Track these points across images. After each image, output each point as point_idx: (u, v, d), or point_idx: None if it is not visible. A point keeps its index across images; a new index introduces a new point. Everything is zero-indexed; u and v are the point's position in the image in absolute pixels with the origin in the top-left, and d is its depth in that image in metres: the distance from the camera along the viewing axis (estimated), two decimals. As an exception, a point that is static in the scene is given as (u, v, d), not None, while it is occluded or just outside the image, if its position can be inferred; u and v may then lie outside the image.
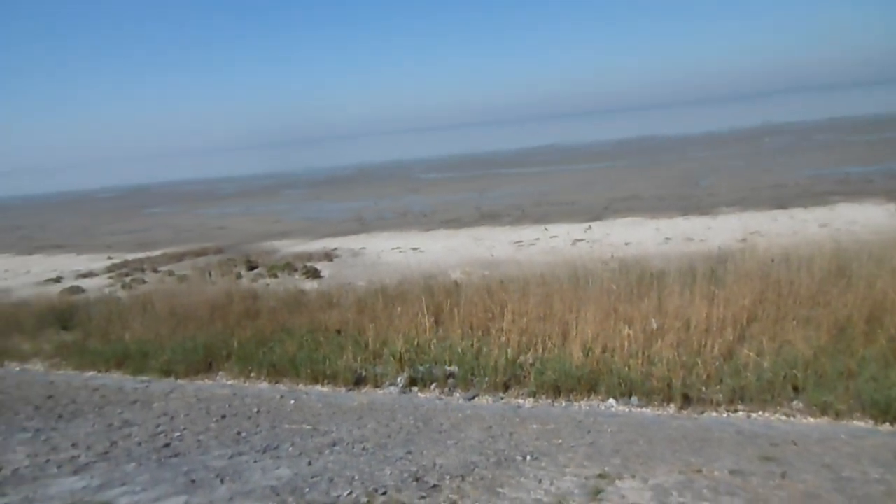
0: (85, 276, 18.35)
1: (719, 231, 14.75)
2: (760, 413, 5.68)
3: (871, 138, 37.08)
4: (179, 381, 7.88)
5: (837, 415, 5.42)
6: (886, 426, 5.11)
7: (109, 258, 21.66)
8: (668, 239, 14.67)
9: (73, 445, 4.59)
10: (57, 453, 4.35)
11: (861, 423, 5.20)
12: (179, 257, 19.92)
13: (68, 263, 21.40)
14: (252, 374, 8.07)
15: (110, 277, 17.61)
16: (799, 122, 62.41)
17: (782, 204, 17.79)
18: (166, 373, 8.25)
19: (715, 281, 8.01)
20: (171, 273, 16.92)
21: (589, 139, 75.65)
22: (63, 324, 10.90)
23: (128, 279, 16.71)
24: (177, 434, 4.96)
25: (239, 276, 15.46)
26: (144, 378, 8.12)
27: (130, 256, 21.25)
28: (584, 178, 32.66)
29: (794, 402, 5.75)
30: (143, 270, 17.99)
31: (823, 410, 5.50)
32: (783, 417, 5.56)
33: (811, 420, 5.44)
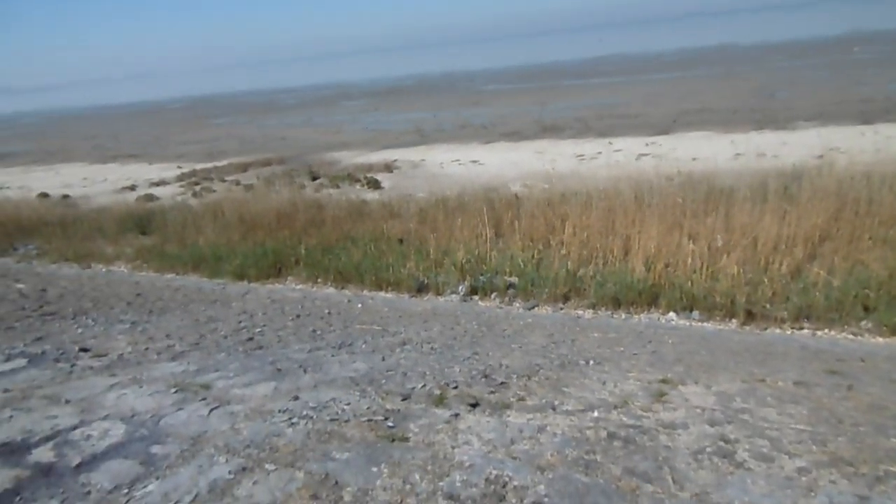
0: (157, 184, 19.19)
1: (796, 147, 14.05)
2: (827, 331, 5.63)
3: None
4: (252, 284, 8.32)
5: (909, 335, 5.33)
6: (960, 347, 5.00)
7: (179, 167, 22.49)
8: (739, 154, 14.09)
9: (167, 336, 5.00)
10: (154, 342, 4.77)
11: (933, 345, 5.11)
12: (244, 167, 20.50)
13: (141, 172, 22.35)
14: (319, 280, 8.44)
15: (181, 186, 18.37)
16: (892, 30, 57.03)
17: (867, 119, 16.67)
18: (240, 276, 8.71)
19: (787, 198, 7.75)
20: (237, 182, 17.49)
21: (659, 48, 71.53)
22: (141, 229, 11.54)
23: (198, 188, 17.39)
24: (258, 330, 5.32)
25: (302, 187, 15.86)
26: (220, 280, 8.60)
27: (199, 166, 21.98)
28: (652, 90, 31.23)
29: (864, 322, 5.66)
30: (211, 179, 18.65)
31: (894, 331, 5.40)
32: (851, 336, 5.51)
33: (880, 339, 5.37)
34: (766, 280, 6.31)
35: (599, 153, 16.18)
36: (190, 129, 39.57)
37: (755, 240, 6.98)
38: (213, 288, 8.08)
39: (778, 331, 5.75)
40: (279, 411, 3.08)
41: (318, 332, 5.28)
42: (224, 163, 22.28)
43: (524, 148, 18.51)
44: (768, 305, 6.07)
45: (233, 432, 2.88)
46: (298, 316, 6.05)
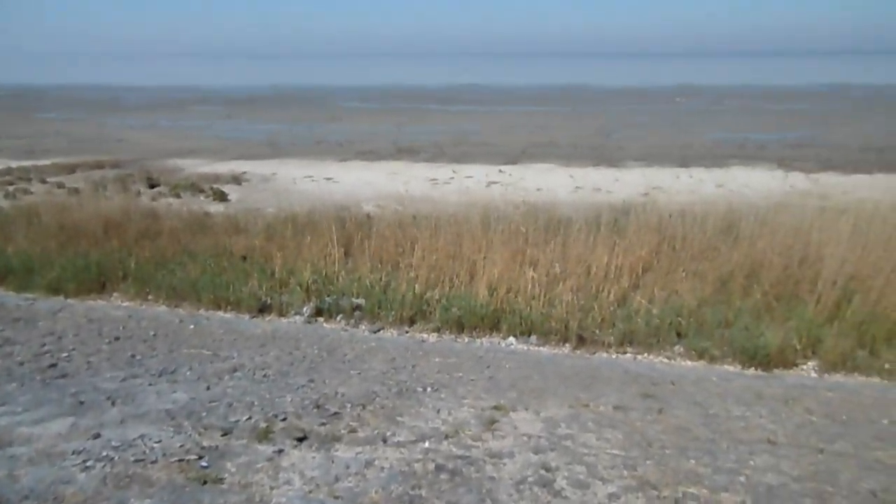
0: (-41, 181, 16.73)
1: (626, 184, 15.35)
2: (646, 355, 6.12)
3: (774, 107, 39.32)
4: (69, 301, 7.45)
5: (712, 359, 5.94)
6: (752, 370, 5.66)
7: (-10, 164, 19.81)
8: (578, 188, 15.12)
9: (-55, 362, 4.29)
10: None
11: (731, 368, 5.73)
12: (72, 169, 18.50)
13: (-60, 166, 19.39)
14: (150, 297, 7.76)
15: (-9, 185, 16.16)
16: (713, 85, 65.02)
17: (685, 163, 18.67)
18: (54, 290, 7.77)
19: (617, 231, 8.40)
20: (61, 185, 15.73)
21: (515, 82, 75.58)
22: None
23: (11, 188, 15.40)
24: (64, 354, 4.73)
25: (138, 194, 14.61)
26: (29, 295, 7.62)
27: (15, 164, 19.51)
28: (506, 121, 32.80)
29: (676, 347, 6.23)
30: (28, 180, 16.59)
31: (700, 355, 5.99)
32: (665, 360, 6.02)
33: (689, 363, 5.92)
34: (596, 307, 6.74)
35: (452, 178, 16.61)
36: (10, 121, 35.16)
37: (588, 268, 7.46)
38: (18, 304, 7.13)
39: (605, 355, 6.15)
40: (73, 453, 2.71)
41: (138, 358, 4.80)
42: (47, 162, 19.96)
43: (379, 168, 18.53)
44: (597, 331, 6.49)
45: (9, 480, 2.48)
46: (118, 338, 5.48)
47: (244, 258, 8.60)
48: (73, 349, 4.94)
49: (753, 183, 15.38)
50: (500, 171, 17.62)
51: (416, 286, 7.40)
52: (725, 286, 7.02)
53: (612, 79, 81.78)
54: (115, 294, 7.78)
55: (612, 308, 6.85)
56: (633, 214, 8.89)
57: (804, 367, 5.79)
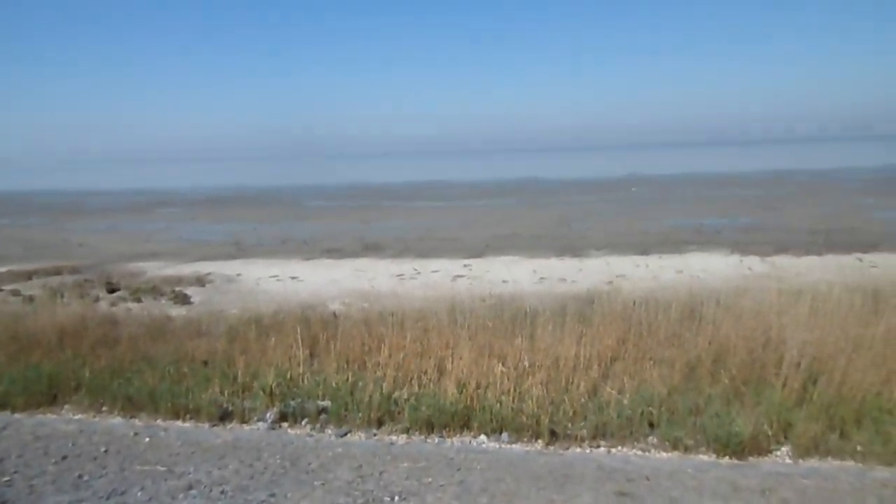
0: None
1: (589, 273, 15.61)
2: (620, 448, 6.00)
3: (724, 193, 41.18)
4: (16, 416, 7.04)
5: (686, 449, 5.85)
6: (726, 459, 5.57)
7: (-59, 273, 19.21)
8: (543, 279, 15.31)
9: None
10: None
11: (705, 457, 5.64)
12: (28, 275, 18.04)
13: None
14: (104, 409, 7.40)
15: (-60, 296, 15.59)
16: (663, 174, 68.14)
17: (645, 250, 19.17)
18: (1, 406, 7.36)
19: (583, 321, 8.46)
20: (16, 293, 15.27)
21: (473, 177, 77.97)
22: None
23: (-38, 298, 14.88)
24: (5, 479, 4.40)
25: (97, 299, 14.26)
26: (-28, 411, 7.19)
27: (-33, 272, 18.96)
28: (468, 215, 33.51)
29: (650, 438, 6.13)
30: (-19, 289, 16.09)
31: (674, 445, 5.90)
32: (640, 452, 5.91)
33: (664, 454, 5.82)
34: (566, 400, 6.66)
35: (418, 273, 16.69)
36: (-37, 229, 34.50)
37: (557, 360, 7.43)
38: (-41, 422, 6.69)
39: (578, 450, 6.01)
40: None
41: (86, 479, 4.50)
42: (2, 269, 19.46)
43: (345, 265, 18.55)
44: (570, 425, 6.37)
45: None
46: (65, 457, 5.15)
47: (205, 363, 8.35)
48: (16, 472, 4.61)
49: (712, 267, 15.82)
50: (466, 264, 17.80)
51: (384, 386, 7.24)
52: (693, 372, 7.03)
53: (566, 171, 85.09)
54: (66, 406, 7.41)
55: (582, 400, 6.77)
56: (599, 303, 9.00)
57: (778, 452, 5.74)
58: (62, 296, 14.30)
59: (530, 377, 7.10)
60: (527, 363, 7.43)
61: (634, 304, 9.06)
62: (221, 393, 7.36)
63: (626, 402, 6.59)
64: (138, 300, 14.24)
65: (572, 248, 20.42)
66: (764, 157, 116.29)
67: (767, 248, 18.74)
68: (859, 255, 16.89)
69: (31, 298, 13.78)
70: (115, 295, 14.85)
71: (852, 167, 67.90)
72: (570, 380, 7.11)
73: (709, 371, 6.97)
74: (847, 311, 7.95)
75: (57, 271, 18.87)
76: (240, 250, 23.05)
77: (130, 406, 7.25)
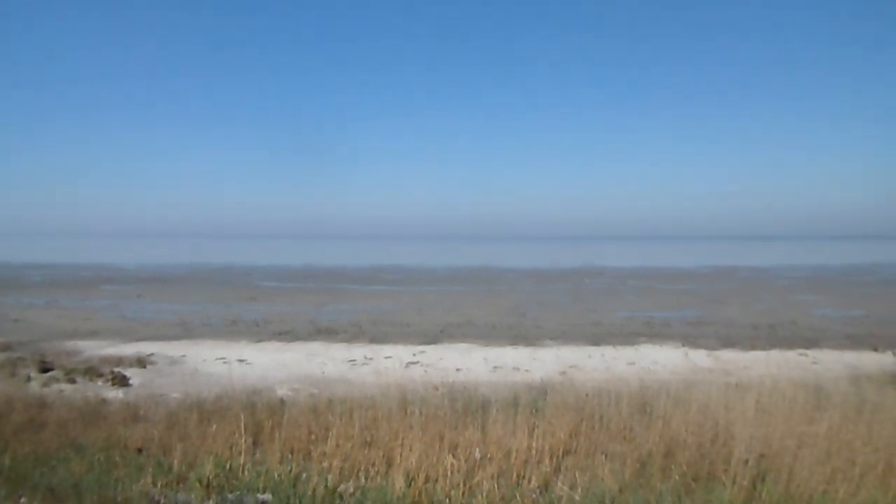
0: None
1: (543, 362, 15.64)
2: (565, 548, 5.81)
3: (673, 287, 42.46)
4: (-81, 511, 6.43)
5: (637, 552, 5.70)
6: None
7: None
8: (496, 367, 15.23)
9: None
10: None
11: (658, 559, 5.50)
12: (-47, 352, 16.98)
13: None
14: (23, 500, 6.82)
15: None
16: (614, 266, 70.10)
17: (597, 341, 19.40)
18: None
19: (536, 412, 8.38)
20: (-62, 371, 14.30)
21: (431, 263, 78.58)
22: None
23: None
24: None
25: (28, 379, 13.48)
26: None
27: None
28: (423, 301, 33.49)
29: (602, 537, 5.97)
30: None
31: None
32: (592, 553, 5.73)
33: (615, 555, 5.66)
34: (518, 496, 6.48)
35: (371, 359, 16.41)
36: None
37: (509, 452, 7.28)
38: None
39: (529, 550, 5.79)
40: None
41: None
42: (-75, 345, 18.28)
43: (296, 349, 18.12)
44: (521, 523, 6.17)
45: None
46: (-29, 556, 4.67)
47: (139, 451, 7.88)
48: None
49: (662, 360, 16.05)
50: (420, 351, 17.62)
51: (329, 478, 6.93)
52: (645, 468, 6.98)
53: (520, 260, 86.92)
54: (-21, 498, 6.79)
55: (534, 496, 6.60)
56: (551, 394, 8.98)
57: (730, 554, 5.65)
58: (-11, 375, 13.45)
59: (481, 470, 6.91)
60: (478, 455, 7.26)
61: (587, 395, 9.07)
62: (154, 484, 6.90)
63: (577, 498, 6.45)
64: (72, 381, 13.51)
65: (526, 336, 20.51)
66: (710, 253, 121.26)
67: (714, 341, 19.22)
68: (802, 350, 17.47)
69: (-46, 377, 12.91)
70: (47, 375, 14.06)
71: (789, 265, 71.43)
72: (522, 474, 6.96)
73: (660, 467, 6.92)
74: (791, 407, 8.12)
75: (-14, 348, 17.83)
76: (186, 331, 22.32)
77: (52, 498, 6.70)
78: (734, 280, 49.99)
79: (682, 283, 46.58)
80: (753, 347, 18.05)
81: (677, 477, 6.64)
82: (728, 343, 18.96)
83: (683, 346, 18.45)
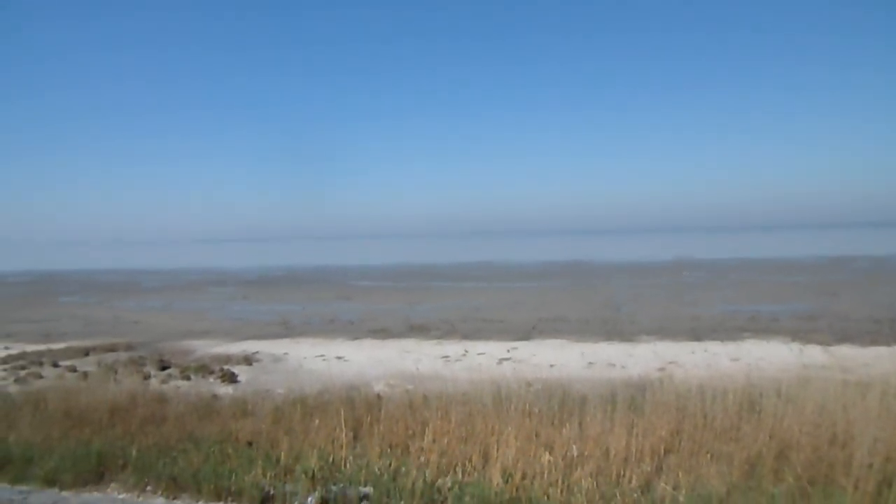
0: (-27, 365, 16.82)
1: (640, 359, 15.17)
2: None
3: (779, 279, 39.96)
4: (63, 494, 7.10)
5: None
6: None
7: (6, 348, 20.06)
8: (591, 363, 14.93)
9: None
10: None
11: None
12: (85, 352, 18.67)
13: (-43, 351, 19.61)
14: (149, 488, 7.39)
15: (3, 370, 16.21)
16: (713, 259, 66.82)
17: (698, 336, 18.59)
18: (50, 482, 7.43)
19: (634, 409, 8.13)
20: (72, 369, 15.77)
21: (520, 259, 78.06)
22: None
23: (23, 372, 15.42)
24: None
25: (148, 377, 14.57)
26: (24, 487, 7.28)
27: (31, 348, 19.75)
28: (515, 297, 33.34)
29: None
30: (41, 364, 16.66)
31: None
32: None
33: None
34: (618, 494, 6.31)
35: (464, 355, 16.52)
36: (29, 305, 36.19)
37: (607, 450, 7.11)
38: (10, 498, 6.79)
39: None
40: None
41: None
42: (62, 346, 20.21)
43: (391, 346, 18.55)
44: (623, 523, 6.02)
45: None
46: (108, 538, 5.13)
47: (250, 444, 8.32)
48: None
49: (770, 356, 15.16)
50: (513, 347, 17.57)
51: (427, 472, 7.04)
52: (755, 469, 6.61)
53: (614, 254, 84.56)
54: (112, 484, 7.43)
55: (635, 495, 6.41)
56: (650, 391, 8.67)
57: (854, 563, 5.26)
58: (116, 372, 14.67)
59: (579, 468, 6.79)
60: (575, 453, 7.13)
61: (689, 392, 8.68)
62: (264, 475, 7.26)
63: (681, 499, 6.21)
64: (187, 378, 14.48)
65: (621, 332, 19.97)
66: (818, 242, 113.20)
67: (829, 337, 17.93)
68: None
69: (85, 374, 14.16)
70: (165, 372, 15.17)
71: (915, 253, 65.34)
72: (622, 472, 6.77)
73: (771, 469, 6.53)
74: (921, 407, 7.44)
75: (112, 348, 19.47)
76: (287, 330, 23.39)
77: (174, 486, 7.22)
78: (848, 270, 46.36)
79: (789, 274, 43.70)
80: (874, 343, 16.68)
81: (791, 480, 6.24)
82: (844, 338, 17.62)
83: (794, 341, 17.33)
